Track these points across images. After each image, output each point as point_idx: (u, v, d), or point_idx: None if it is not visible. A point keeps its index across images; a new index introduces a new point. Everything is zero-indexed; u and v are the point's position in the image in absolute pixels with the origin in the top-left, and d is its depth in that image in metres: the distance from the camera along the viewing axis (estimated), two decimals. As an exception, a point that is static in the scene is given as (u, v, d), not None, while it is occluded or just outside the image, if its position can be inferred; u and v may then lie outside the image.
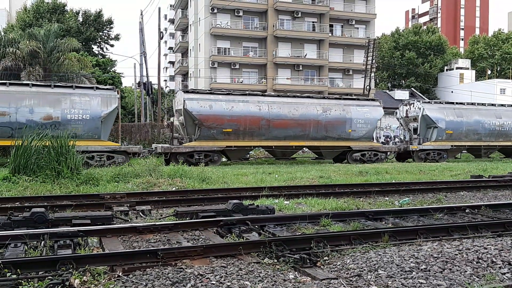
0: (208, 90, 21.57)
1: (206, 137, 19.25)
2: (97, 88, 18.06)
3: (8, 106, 16.28)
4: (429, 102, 25.40)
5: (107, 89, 18.20)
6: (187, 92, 19.84)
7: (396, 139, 38.02)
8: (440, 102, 25.48)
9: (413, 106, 24.46)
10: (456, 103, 25.45)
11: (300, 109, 20.61)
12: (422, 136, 23.96)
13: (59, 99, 16.88)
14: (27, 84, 17.18)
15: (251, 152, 23.78)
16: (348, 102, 22.06)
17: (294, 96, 21.73)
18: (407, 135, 25.31)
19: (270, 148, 21.29)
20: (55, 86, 17.36)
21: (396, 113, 26.46)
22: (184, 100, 18.91)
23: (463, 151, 26.25)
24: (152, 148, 19.58)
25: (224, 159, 20.59)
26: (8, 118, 16.17)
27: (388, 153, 23.29)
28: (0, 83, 17.07)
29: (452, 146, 23.98)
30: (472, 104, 25.83)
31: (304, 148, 23.97)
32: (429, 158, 23.33)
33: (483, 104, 26.22)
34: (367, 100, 23.38)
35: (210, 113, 19.05)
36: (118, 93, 18.09)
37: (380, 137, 36.91)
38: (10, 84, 16.98)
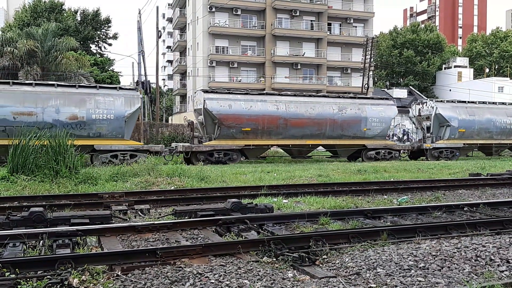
0: (227, 90, 21.88)
1: (225, 136, 19.62)
2: (120, 88, 18.33)
3: (35, 106, 16.46)
4: (442, 101, 25.84)
5: (130, 89, 18.57)
6: (207, 92, 20.20)
7: (394, 138, 38.09)
8: (452, 101, 25.85)
9: (426, 105, 24.92)
10: (468, 102, 25.94)
11: (316, 108, 20.98)
12: (435, 134, 24.40)
13: (84, 99, 17.12)
14: (52, 85, 17.36)
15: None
16: (363, 101, 22.51)
17: (310, 96, 22.16)
18: (420, 133, 25.70)
19: (287, 147, 21.57)
20: (79, 86, 17.67)
21: (409, 111, 26.89)
22: (204, 100, 19.26)
23: (475, 149, 26.68)
24: (173, 147, 19.83)
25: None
26: (35, 118, 16.36)
27: (401, 151, 23.76)
28: (26, 83, 17.31)
29: (464, 144, 24.45)
30: (483, 103, 26.31)
31: (319, 147, 24.31)
32: (442, 156, 23.75)
33: (494, 103, 26.77)
34: (382, 99, 23.93)
35: (229, 113, 19.42)
36: (140, 93, 18.34)
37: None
38: (36, 84, 17.16)
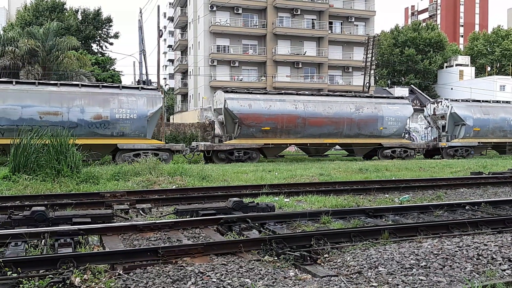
0: (246, 90, 22.24)
1: (245, 135, 19.93)
2: (143, 88, 18.64)
3: (60, 106, 16.76)
4: (457, 100, 26.17)
5: (151, 89, 18.88)
6: (227, 92, 20.46)
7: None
8: (467, 100, 26.17)
9: (441, 104, 25.28)
10: (483, 101, 26.29)
11: (334, 108, 21.26)
12: (450, 133, 24.74)
13: (108, 99, 17.41)
14: (76, 85, 17.69)
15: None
16: (379, 100, 22.82)
17: (328, 95, 22.50)
18: (435, 132, 25.94)
19: (305, 146, 21.76)
20: (103, 86, 17.97)
21: (424, 110, 27.16)
22: (225, 100, 19.60)
23: (489, 148, 26.95)
24: (194, 146, 20.05)
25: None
26: (61, 118, 16.65)
27: (416, 149, 24.02)
28: (51, 83, 17.62)
29: (479, 143, 24.76)
30: (497, 102, 26.71)
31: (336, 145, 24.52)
32: (457, 155, 24.02)
33: (508, 102, 27.14)
34: (397, 98, 24.39)
35: (249, 112, 19.76)
36: (162, 94, 18.54)
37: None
38: (61, 84, 17.48)
